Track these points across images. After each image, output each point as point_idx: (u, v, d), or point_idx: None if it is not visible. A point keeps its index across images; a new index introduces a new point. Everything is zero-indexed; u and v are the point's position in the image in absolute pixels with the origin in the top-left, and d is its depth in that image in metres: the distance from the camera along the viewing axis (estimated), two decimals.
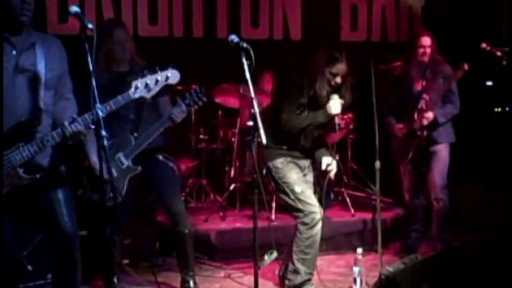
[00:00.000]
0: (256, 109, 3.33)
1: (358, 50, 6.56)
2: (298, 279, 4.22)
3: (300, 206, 4.16)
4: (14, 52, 3.07)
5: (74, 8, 2.93)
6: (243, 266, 5.00)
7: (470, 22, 6.61)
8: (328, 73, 4.08)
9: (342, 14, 7.45)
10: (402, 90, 5.20)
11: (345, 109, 4.31)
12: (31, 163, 3.08)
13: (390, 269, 3.67)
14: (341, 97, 4.13)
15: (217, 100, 6.21)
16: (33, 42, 3.13)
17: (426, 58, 5.07)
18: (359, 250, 4.45)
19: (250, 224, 3.85)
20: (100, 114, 2.97)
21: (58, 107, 3.24)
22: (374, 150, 4.31)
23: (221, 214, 5.86)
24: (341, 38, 7.38)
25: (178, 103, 3.97)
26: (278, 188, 4.26)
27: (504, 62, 5.03)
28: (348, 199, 6.03)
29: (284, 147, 4.24)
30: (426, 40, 5.06)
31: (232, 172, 6.30)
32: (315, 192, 4.34)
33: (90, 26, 2.89)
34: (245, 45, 3.35)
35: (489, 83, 6.71)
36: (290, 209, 4.25)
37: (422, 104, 4.98)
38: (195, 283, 4.34)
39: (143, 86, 3.18)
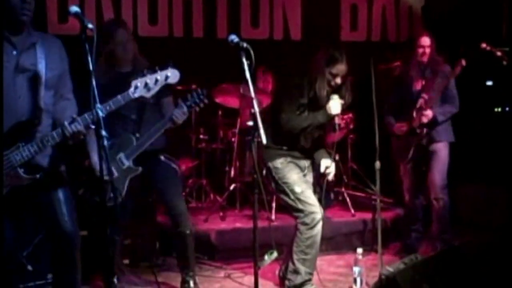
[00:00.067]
0: (256, 109, 3.33)
1: (358, 50, 6.58)
2: (298, 279, 4.22)
3: (300, 206, 4.16)
4: (14, 52, 3.07)
5: (74, 8, 2.92)
6: (243, 266, 4.99)
7: (470, 22, 6.61)
8: (328, 73, 4.08)
9: (342, 14, 7.45)
10: (402, 90, 5.21)
11: (345, 109, 4.31)
12: (31, 163, 3.08)
13: (390, 269, 3.67)
14: (341, 97, 4.13)
15: (217, 100, 6.21)
16: (33, 42, 3.13)
17: (425, 58, 5.08)
18: (359, 250, 4.45)
19: (250, 224, 3.84)
20: (100, 114, 2.97)
21: (58, 107, 3.24)
22: (374, 150, 4.31)
23: (221, 214, 5.87)
24: (341, 38, 7.39)
25: (180, 104, 3.97)
26: (278, 188, 4.26)
27: (504, 62, 5.03)
28: (348, 199, 6.03)
29: (284, 147, 4.24)
30: (426, 40, 5.06)
31: (232, 172, 6.30)
32: (315, 192, 4.34)
33: (90, 26, 2.89)
34: (245, 45, 3.35)
35: (489, 83, 6.72)
36: (290, 209, 4.24)
37: (420, 103, 4.99)
38: (195, 283, 4.34)
39: (142, 86, 3.18)
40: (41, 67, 3.10)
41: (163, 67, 3.26)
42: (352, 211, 5.93)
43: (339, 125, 4.17)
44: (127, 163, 4.01)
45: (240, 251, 5.19)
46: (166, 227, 5.29)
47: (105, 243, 3.32)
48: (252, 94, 3.35)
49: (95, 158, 3.87)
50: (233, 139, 6.33)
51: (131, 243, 4.92)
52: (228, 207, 6.11)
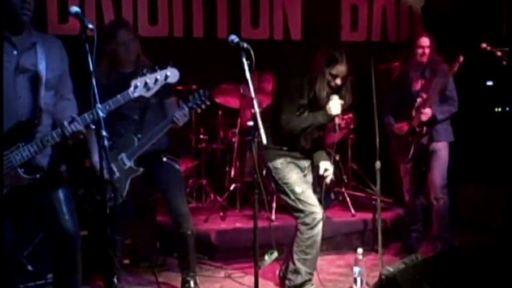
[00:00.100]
0: (257, 109, 3.33)
1: (358, 50, 6.57)
2: (299, 279, 4.22)
3: (300, 206, 4.16)
4: (15, 52, 3.07)
5: (74, 8, 2.92)
6: (244, 266, 4.99)
7: (470, 22, 6.61)
8: (328, 74, 4.08)
9: (342, 14, 7.44)
10: (401, 90, 5.21)
11: (345, 109, 4.31)
12: (31, 163, 3.08)
13: (391, 269, 3.67)
14: (341, 98, 4.13)
15: (217, 100, 6.21)
16: (34, 42, 3.13)
17: (424, 59, 5.08)
18: (360, 250, 4.45)
19: (250, 224, 3.84)
20: (100, 114, 2.97)
21: (58, 107, 3.24)
22: (375, 150, 4.32)
23: (221, 214, 5.87)
24: (341, 38, 7.39)
25: (181, 106, 3.97)
26: (278, 188, 4.26)
27: (504, 62, 5.04)
28: (348, 199, 6.03)
29: (284, 147, 4.24)
30: (425, 41, 5.06)
31: (233, 172, 6.30)
32: (315, 192, 4.34)
33: (90, 26, 2.89)
34: (245, 45, 3.35)
35: (489, 83, 6.72)
36: (290, 209, 4.24)
37: (419, 102, 4.99)
38: (195, 283, 4.34)
39: (142, 85, 3.18)
40: (42, 67, 3.11)
41: (162, 67, 3.26)
42: (353, 211, 5.93)
43: (339, 125, 4.17)
44: (128, 164, 4.01)
45: (240, 251, 5.19)
46: (167, 227, 5.30)
47: (105, 243, 3.31)
48: (252, 94, 3.36)
49: (96, 157, 3.88)
50: (233, 139, 6.33)
51: (131, 243, 4.92)
52: (228, 207, 6.12)
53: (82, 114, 3.07)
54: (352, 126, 6.14)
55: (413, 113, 5.01)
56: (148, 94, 3.21)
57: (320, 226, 4.17)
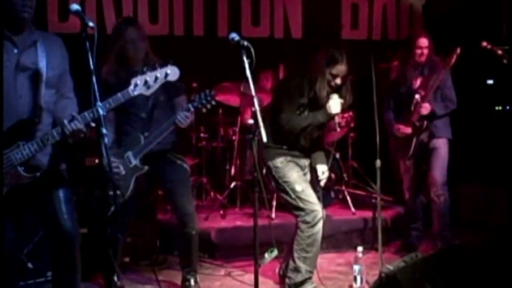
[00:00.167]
0: (257, 107, 3.33)
1: (359, 48, 6.57)
2: (299, 277, 4.23)
3: (301, 204, 4.16)
4: (15, 51, 3.07)
5: (75, 6, 2.92)
6: (244, 264, 5.00)
7: (471, 20, 6.61)
8: (328, 74, 4.08)
9: (343, 12, 7.45)
10: (400, 90, 5.20)
11: (345, 108, 4.31)
12: (32, 161, 3.08)
13: (391, 267, 3.66)
14: (341, 97, 4.13)
15: (218, 98, 6.17)
16: (34, 40, 3.13)
17: (423, 59, 5.09)
18: (360, 248, 4.46)
19: (250, 222, 3.85)
20: (101, 112, 2.97)
21: (58, 106, 3.23)
22: (375, 148, 4.32)
23: (221, 212, 5.87)
24: (342, 37, 7.40)
25: (186, 105, 3.97)
26: (278, 187, 4.26)
27: (504, 61, 5.04)
28: (348, 198, 6.03)
29: (284, 146, 4.24)
30: (424, 42, 5.07)
31: (233, 171, 6.30)
32: (314, 191, 4.34)
33: (90, 24, 2.89)
34: (245, 43, 3.35)
35: (490, 81, 6.71)
36: (291, 208, 4.24)
37: (417, 98, 4.99)
38: (196, 281, 4.34)
39: (142, 84, 3.17)
40: (42, 66, 3.10)
41: (162, 65, 3.26)
42: (353, 209, 5.94)
43: (340, 123, 4.17)
44: (134, 162, 4.02)
45: (241, 249, 5.19)
46: (167, 225, 5.31)
47: (106, 242, 3.32)
48: (253, 92, 3.36)
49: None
50: (233, 138, 6.34)
51: (131, 241, 4.93)
52: (228, 205, 6.12)
53: (83, 112, 3.07)
54: (352, 125, 6.13)
55: (412, 108, 5.02)
56: (148, 92, 3.21)
57: (320, 224, 4.17)
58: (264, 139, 3.34)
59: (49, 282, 4.14)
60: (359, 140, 6.58)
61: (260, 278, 3.49)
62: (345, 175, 6.24)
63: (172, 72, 3.26)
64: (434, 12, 7.34)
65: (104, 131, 2.91)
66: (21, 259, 4.19)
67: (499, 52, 5.02)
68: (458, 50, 4.82)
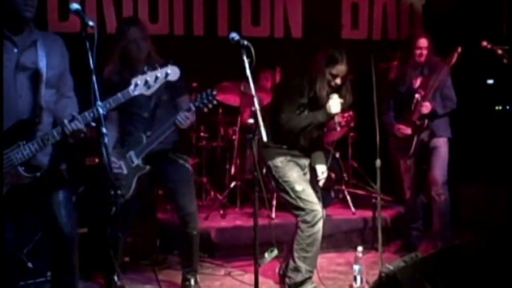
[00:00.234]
0: (257, 107, 3.33)
1: (359, 48, 6.58)
2: (299, 277, 4.22)
3: (301, 204, 4.16)
4: (15, 50, 3.06)
5: (75, 5, 2.91)
6: (244, 264, 4.99)
7: (471, 20, 6.61)
8: (328, 74, 4.08)
9: (343, 12, 7.45)
10: (400, 90, 5.20)
11: (345, 107, 4.31)
12: (32, 161, 3.08)
13: (391, 267, 3.66)
14: (341, 97, 4.13)
15: (218, 98, 6.18)
16: (34, 40, 3.12)
17: (422, 59, 5.09)
18: (360, 248, 4.46)
19: (250, 222, 3.85)
20: (101, 111, 2.97)
21: (59, 106, 3.23)
22: (375, 148, 4.31)
23: (221, 212, 5.87)
24: (342, 36, 7.40)
25: (187, 106, 3.96)
26: (278, 187, 4.26)
27: (505, 60, 5.03)
28: (348, 197, 6.03)
29: (284, 146, 4.24)
30: (423, 42, 5.07)
31: (233, 170, 6.30)
32: (314, 190, 4.34)
33: (90, 23, 2.89)
34: (245, 43, 3.35)
35: (490, 81, 6.71)
36: (291, 207, 4.24)
37: (417, 97, 4.99)
38: (196, 281, 4.34)
39: (142, 83, 3.17)
40: (42, 65, 3.10)
41: (163, 64, 3.26)
42: (353, 209, 5.94)
43: (340, 123, 4.18)
44: (136, 161, 4.03)
45: (241, 249, 5.19)
46: (167, 225, 5.31)
47: (106, 241, 3.32)
48: (253, 92, 3.35)
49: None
50: (233, 137, 6.33)
51: (131, 241, 4.93)
52: (228, 205, 6.12)
53: (83, 112, 3.07)
54: (352, 124, 6.13)
55: (412, 107, 5.02)
56: (148, 92, 3.21)
57: (320, 224, 4.17)
58: (264, 138, 3.34)
59: (49, 282, 4.13)
60: (359, 139, 6.58)
61: (260, 278, 3.49)
62: (345, 175, 6.24)
63: (173, 72, 3.26)
64: (434, 12, 7.35)
65: (104, 130, 2.91)
66: (21, 259, 4.19)
67: (499, 51, 5.01)
68: (459, 49, 4.82)
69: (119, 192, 3.89)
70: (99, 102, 2.96)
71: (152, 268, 4.70)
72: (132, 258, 4.97)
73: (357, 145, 6.63)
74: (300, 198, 4.16)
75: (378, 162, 4.34)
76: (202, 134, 6.49)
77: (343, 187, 6.15)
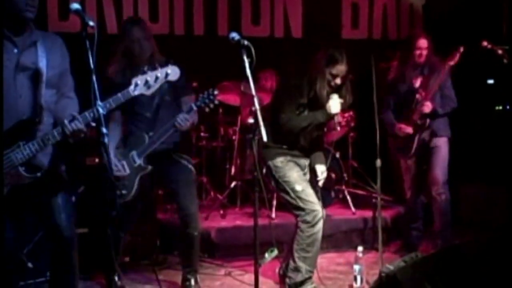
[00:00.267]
0: (257, 107, 3.33)
1: (359, 48, 6.57)
2: (299, 277, 4.22)
3: (301, 204, 4.16)
4: (15, 50, 3.06)
5: (75, 5, 2.91)
6: (244, 264, 5.00)
7: (471, 20, 6.60)
8: (328, 74, 4.08)
9: (343, 12, 7.45)
10: (400, 90, 5.19)
11: (345, 107, 4.31)
12: (32, 161, 3.07)
13: (391, 267, 3.66)
14: (341, 97, 4.13)
15: (218, 98, 6.18)
16: (34, 40, 3.12)
17: (422, 60, 5.09)
18: (360, 248, 4.45)
19: (250, 222, 3.85)
20: (101, 111, 2.97)
21: (59, 106, 3.23)
22: (375, 148, 4.32)
23: (221, 212, 5.87)
24: (342, 36, 7.40)
25: (189, 106, 3.96)
26: (278, 187, 4.26)
27: (505, 60, 5.03)
28: (348, 197, 6.03)
29: (284, 146, 4.24)
30: (423, 43, 5.06)
31: (233, 170, 6.30)
32: (314, 190, 4.34)
33: (91, 23, 2.89)
34: (246, 42, 3.35)
35: (490, 81, 6.71)
36: (291, 207, 4.24)
37: (418, 97, 5.00)
38: (196, 281, 4.34)
39: (142, 83, 3.17)
40: (42, 65, 3.09)
41: (163, 64, 3.26)
42: (353, 209, 5.94)
43: (340, 123, 4.17)
44: (138, 161, 4.03)
45: (241, 249, 5.20)
46: (167, 225, 5.31)
47: (106, 241, 3.32)
48: (253, 91, 3.35)
49: (110, 154, 3.93)
50: (233, 137, 6.33)
51: (131, 241, 4.93)
52: (228, 205, 6.13)
53: (83, 112, 3.07)
54: (352, 124, 6.11)
55: (413, 107, 5.02)
56: (149, 92, 3.21)
57: (320, 224, 4.17)
58: (265, 138, 3.34)
59: (49, 282, 4.16)
60: (359, 139, 6.58)
61: (260, 278, 3.49)
62: (345, 175, 6.25)
63: (173, 72, 3.26)
64: (434, 12, 7.34)
65: (104, 130, 2.91)
66: (21, 259, 4.19)
67: (499, 51, 5.01)
68: (462, 49, 4.81)
69: (119, 192, 3.93)
70: (99, 102, 2.96)
71: (152, 268, 4.70)
72: (132, 258, 4.97)
73: (357, 145, 6.63)
74: (300, 198, 4.16)
75: (378, 162, 4.34)
76: (202, 134, 6.49)
77: (343, 187, 6.15)
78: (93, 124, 3.03)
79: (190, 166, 4.28)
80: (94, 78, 2.86)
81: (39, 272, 4.28)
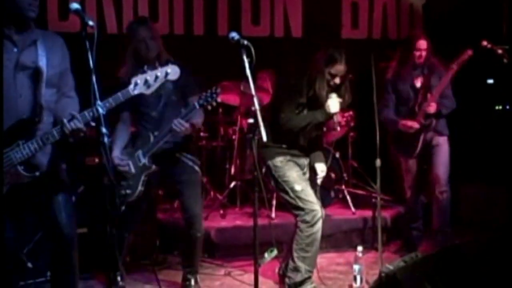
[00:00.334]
0: (257, 107, 3.32)
1: (359, 47, 6.57)
2: (299, 277, 4.22)
3: (300, 204, 4.16)
4: (15, 50, 3.06)
5: (75, 5, 2.91)
6: (243, 264, 4.99)
7: (471, 20, 6.60)
8: (328, 73, 4.09)
9: (343, 11, 7.45)
10: (399, 90, 5.18)
11: (345, 107, 4.31)
12: (31, 161, 3.07)
13: (390, 267, 3.66)
14: (340, 96, 4.14)
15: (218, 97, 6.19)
16: (34, 39, 3.12)
17: (421, 61, 5.09)
18: (359, 248, 4.46)
19: (250, 222, 3.85)
20: (100, 111, 2.97)
21: (59, 105, 3.22)
22: (375, 148, 4.31)
23: (221, 212, 5.87)
24: (342, 36, 7.39)
25: (192, 104, 3.96)
26: (278, 187, 4.26)
27: (505, 60, 5.03)
28: (348, 197, 6.02)
29: (284, 145, 4.24)
30: (423, 44, 5.06)
31: (233, 170, 6.30)
32: (314, 190, 4.34)
33: (90, 23, 2.89)
34: (245, 42, 3.35)
35: (490, 81, 6.71)
36: (290, 207, 4.24)
37: (420, 98, 4.99)
38: (196, 281, 4.34)
39: (142, 83, 3.17)
40: (42, 65, 3.09)
41: (163, 64, 3.26)
42: (353, 209, 5.93)
43: (340, 123, 4.18)
44: (143, 160, 4.05)
45: (240, 249, 5.19)
46: (167, 225, 5.31)
47: (106, 241, 3.32)
48: (253, 91, 3.35)
49: (115, 152, 4.01)
50: (233, 137, 6.33)
51: (131, 241, 4.92)
52: (228, 205, 6.12)
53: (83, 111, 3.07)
54: (352, 124, 6.13)
55: (416, 108, 5.01)
56: (148, 92, 3.21)
57: (320, 224, 4.17)
58: (264, 138, 3.34)
59: (49, 282, 4.14)
60: (359, 139, 6.57)
61: (260, 278, 3.49)
62: (345, 175, 6.24)
63: (173, 71, 3.25)
64: (434, 12, 7.34)
65: (104, 130, 2.91)
66: (21, 259, 4.19)
67: (499, 51, 5.01)
68: (470, 52, 4.80)
69: (123, 192, 3.95)
70: (98, 102, 2.96)
71: (152, 268, 4.70)
72: (132, 258, 4.96)
73: (357, 145, 6.62)
74: (299, 197, 4.16)
75: (378, 162, 4.34)
76: (201, 133, 6.48)
77: (343, 187, 6.14)
78: (93, 124, 3.03)
79: (195, 166, 4.28)
80: (93, 78, 2.86)
81: (39, 272, 4.28)
